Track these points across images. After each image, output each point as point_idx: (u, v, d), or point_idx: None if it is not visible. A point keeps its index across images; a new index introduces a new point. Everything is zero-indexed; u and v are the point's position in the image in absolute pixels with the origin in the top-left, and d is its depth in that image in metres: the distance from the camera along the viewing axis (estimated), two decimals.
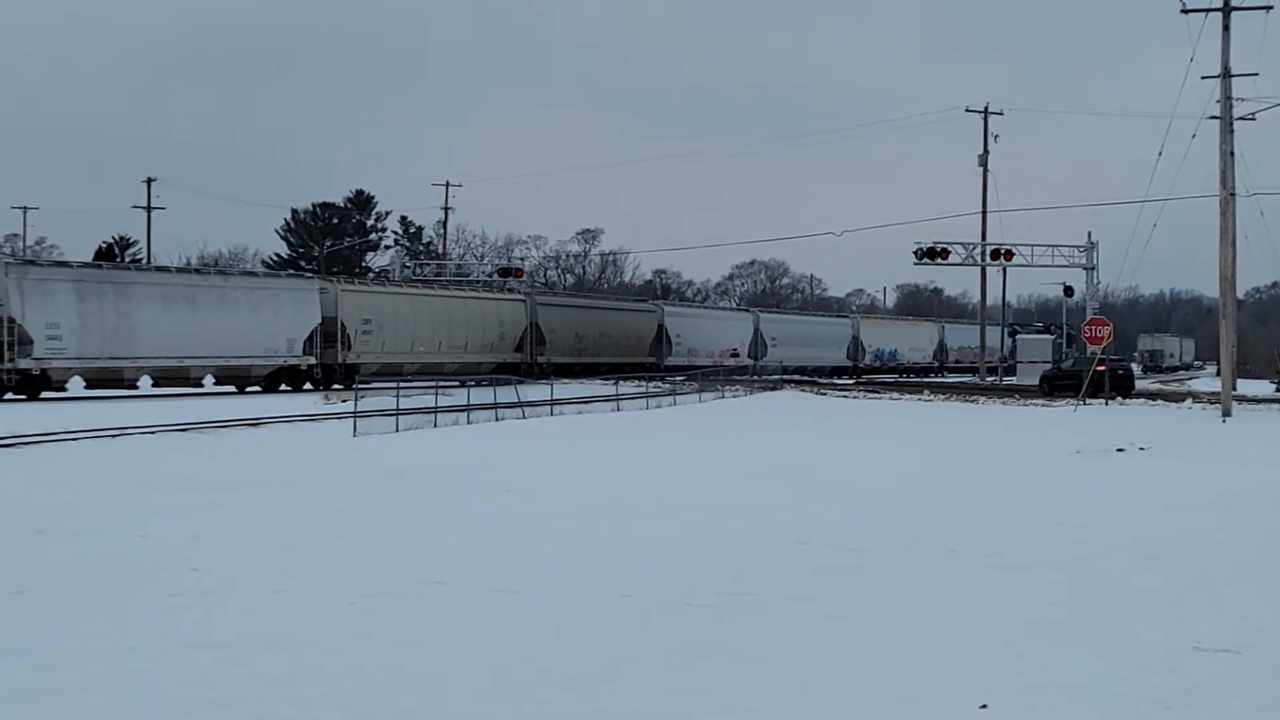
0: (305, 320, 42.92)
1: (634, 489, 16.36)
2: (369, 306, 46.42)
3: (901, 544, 12.02)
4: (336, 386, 41.34)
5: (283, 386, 41.65)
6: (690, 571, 10.42)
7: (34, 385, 34.97)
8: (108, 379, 37.08)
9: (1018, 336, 72.32)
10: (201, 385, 40.11)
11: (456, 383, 35.21)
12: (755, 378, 52.21)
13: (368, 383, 34.86)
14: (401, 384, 30.14)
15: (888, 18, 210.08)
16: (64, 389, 36.06)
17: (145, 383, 38.34)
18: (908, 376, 73.08)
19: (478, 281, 62.42)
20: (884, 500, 15.51)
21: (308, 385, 42.28)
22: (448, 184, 77.25)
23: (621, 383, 43.20)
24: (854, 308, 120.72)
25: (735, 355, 65.88)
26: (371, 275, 58.36)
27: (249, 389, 41.08)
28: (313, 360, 42.94)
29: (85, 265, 41.96)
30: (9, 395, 34.05)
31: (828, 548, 11.71)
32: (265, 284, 44.57)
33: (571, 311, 59.16)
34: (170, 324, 38.25)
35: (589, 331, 58.36)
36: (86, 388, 36.51)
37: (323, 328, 43.35)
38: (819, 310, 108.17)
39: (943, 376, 74.58)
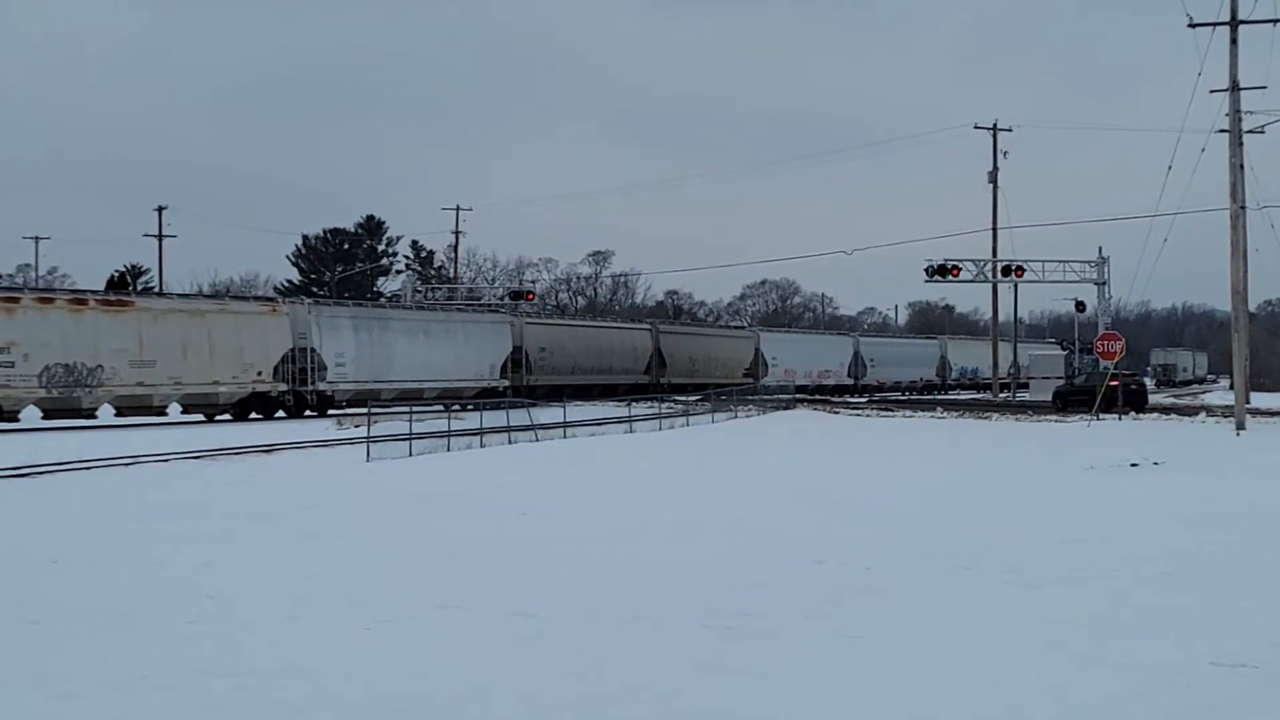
0: (502, 348, 50.41)
1: (648, 510, 16.33)
2: (544, 336, 53.86)
3: (917, 562, 11.99)
4: None
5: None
6: (706, 592, 10.41)
7: (325, 404, 42.27)
8: (369, 399, 42.19)
9: (1030, 353, 72.37)
10: (431, 403, 44.43)
11: (473, 406, 35.85)
12: (769, 397, 52.42)
13: (536, 403, 37.88)
14: (415, 407, 30.20)
15: (895, 43, 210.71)
16: (344, 407, 42.36)
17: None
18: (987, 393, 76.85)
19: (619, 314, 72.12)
20: (899, 518, 15.47)
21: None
22: (458, 208, 77.65)
23: (665, 402, 44.01)
24: (869, 323, 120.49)
25: (828, 375, 72.08)
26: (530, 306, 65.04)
27: (453, 406, 44.48)
28: (506, 382, 49.53)
29: (359, 305, 50.20)
30: (307, 411, 41.29)
31: (844, 567, 11.68)
32: (475, 318, 52.43)
33: (687, 338, 65.32)
34: (413, 353, 45.69)
35: (700, 355, 64.33)
36: (347, 405, 42.37)
37: (511, 355, 50.60)
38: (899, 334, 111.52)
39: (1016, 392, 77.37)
